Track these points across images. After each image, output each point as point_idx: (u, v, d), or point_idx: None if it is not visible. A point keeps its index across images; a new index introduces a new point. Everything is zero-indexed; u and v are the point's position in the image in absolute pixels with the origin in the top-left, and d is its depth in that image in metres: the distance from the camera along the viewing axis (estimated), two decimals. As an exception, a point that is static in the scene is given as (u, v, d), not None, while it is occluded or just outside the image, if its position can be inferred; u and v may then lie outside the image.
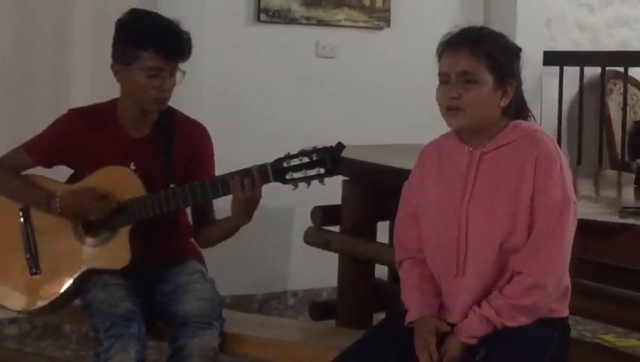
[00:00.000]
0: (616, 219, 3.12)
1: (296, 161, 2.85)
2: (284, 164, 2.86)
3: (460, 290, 2.57)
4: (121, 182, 3.05)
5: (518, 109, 2.62)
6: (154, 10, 3.19)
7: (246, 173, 2.90)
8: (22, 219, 3.17)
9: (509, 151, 2.55)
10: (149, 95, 3.03)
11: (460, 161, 2.60)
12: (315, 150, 2.85)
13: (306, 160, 2.85)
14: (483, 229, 2.53)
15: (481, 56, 2.51)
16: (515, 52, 2.60)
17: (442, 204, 2.60)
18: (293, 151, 2.88)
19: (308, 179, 2.85)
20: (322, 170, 2.84)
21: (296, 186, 2.88)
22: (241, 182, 2.88)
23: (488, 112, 2.54)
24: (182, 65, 3.06)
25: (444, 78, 2.55)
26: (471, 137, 2.60)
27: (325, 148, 2.85)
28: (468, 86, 2.51)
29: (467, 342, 2.49)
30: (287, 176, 2.86)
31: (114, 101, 3.16)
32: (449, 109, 2.54)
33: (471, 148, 2.59)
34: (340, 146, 2.84)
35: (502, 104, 2.55)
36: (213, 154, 3.22)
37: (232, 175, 2.92)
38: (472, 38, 2.55)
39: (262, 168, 2.88)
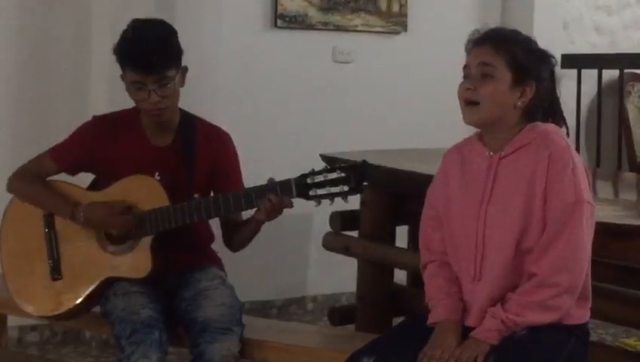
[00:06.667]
0: (635, 222, 3.11)
1: (320, 178, 2.83)
2: (308, 180, 2.85)
3: (477, 294, 2.57)
4: (146, 191, 3.05)
5: (552, 115, 2.63)
6: (171, 18, 3.19)
7: (270, 189, 2.89)
8: (46, 225, 3.18)
9: (525, 153, 2.56)
10: (142, 107, 3.06)
11: (480, 166, 2.61)
12: (340, 167, 2.83)
13: (330, 177, 2.82)
14: (498, 232, 2.53)
15: (502, 51, 2.55)
16: (540, 56, 2.60)
17: (463, 208, 2.61)
18: (317, 167, 2.86)
19: (331, 196, 2.83)
20: (346, 188, 2.81)
21: (319, 203, 2.87)
22: (268, 200, 2.87)
23: (503, 110, 2.56)
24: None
25: (465, 72, 2.59)
26: (490, 139, 2.61)
27: (350, 165, 2.83)
28: (485, 80, 2.54)
29: (481, 338, 2.46)
30: (311, 193, 2.84)
31: (136, 108, 3.15)
32: (466, 103, 2.56)
33: (491, 153, 2.60)
34: (365, 164, 2.82)
35: (519, 104, 2.57)
36: (237, 162, 3.21)
37: (257, 191, 2.90)
38: (497, 35, 2.60)
39: (285, 184, 2.87)
